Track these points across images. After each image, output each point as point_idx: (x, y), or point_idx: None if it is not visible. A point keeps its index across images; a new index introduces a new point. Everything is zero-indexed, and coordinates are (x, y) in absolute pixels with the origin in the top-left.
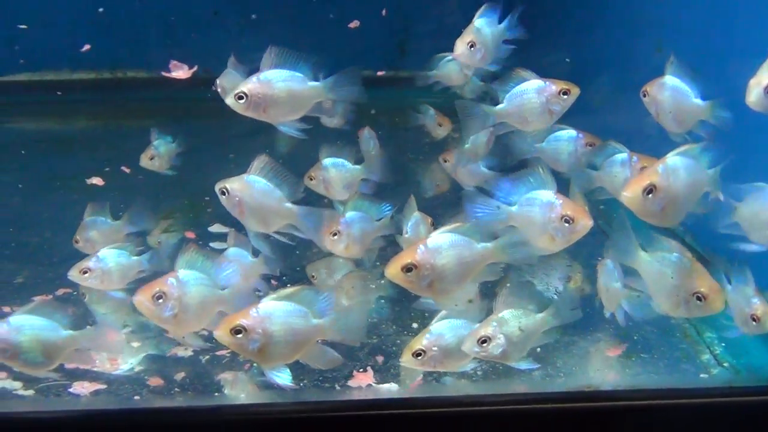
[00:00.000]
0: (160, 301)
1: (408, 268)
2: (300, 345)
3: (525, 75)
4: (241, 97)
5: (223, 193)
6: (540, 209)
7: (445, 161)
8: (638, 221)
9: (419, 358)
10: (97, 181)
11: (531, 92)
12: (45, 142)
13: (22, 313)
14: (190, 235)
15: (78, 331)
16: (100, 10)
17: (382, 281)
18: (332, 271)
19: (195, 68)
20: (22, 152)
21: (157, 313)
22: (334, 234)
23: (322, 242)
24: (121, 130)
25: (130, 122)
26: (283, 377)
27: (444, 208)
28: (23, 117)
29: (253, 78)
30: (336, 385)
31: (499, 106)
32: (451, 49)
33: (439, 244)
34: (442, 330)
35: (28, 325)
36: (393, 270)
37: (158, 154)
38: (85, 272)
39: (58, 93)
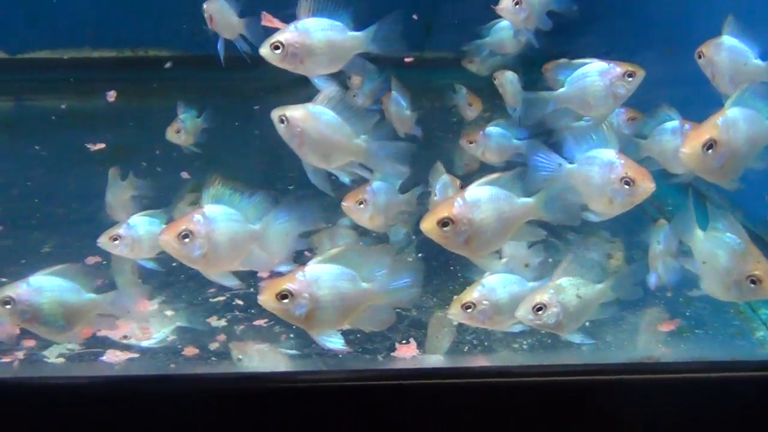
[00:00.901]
0: (187, 240)
1: (444, 223)
2: (349, 310)
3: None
4: (277, 47)
5: (282, 122)
6: (599, 168)
7: (471, 143)
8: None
9: (468, 311)
10: (99, 146)
11: (594, 75)
12: (66, 118)
13: (43, 274)
14: None
15: (101, 295)
16: None
17: (419, 255)
18: (336, 242)
19: None
20: (44, 127)
21: (185, 253)
22: (360, 202)
23: (400, 173)
24: (143, 107)
25: (151, 100)
26: (334, 341)
27: None
28: (44, 94)
29: (291, 26)
30: (378, 357)
31: (560, 91)
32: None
33: (477, 198)
34: (494, 284)
35: (48, 286)
36: (428, 224)
37: (184, 127)
38: (115, 239)
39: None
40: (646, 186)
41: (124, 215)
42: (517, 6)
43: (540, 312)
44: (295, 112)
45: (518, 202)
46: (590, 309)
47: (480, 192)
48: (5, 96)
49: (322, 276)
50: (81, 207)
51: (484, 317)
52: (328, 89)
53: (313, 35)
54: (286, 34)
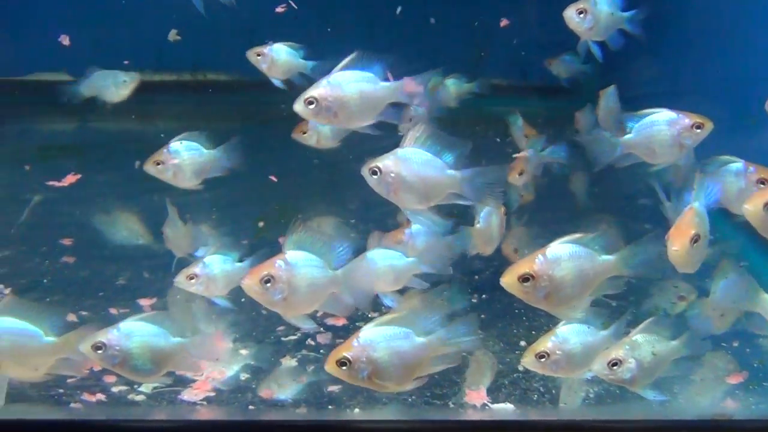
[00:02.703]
0: (269, 284)
1: (525, 278)
2: (411, 366)
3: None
4: (311, 102)
5: (375, 173)
6: None
7: (520, 174)
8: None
9: (542, 360)
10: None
11: (662, 124)
12: (127, 142)
13: (132, 320)
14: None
15: (187, 339)
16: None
17: (483, 296)
18: None
19: None
20: (107, 151)
21: (266, 297)
22: (398, 243)
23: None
24: (202, 132)
25: (211, 124)
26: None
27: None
28: (105, 117)
29: (323, 81)
30: (449, 403)
31: (627, 137)
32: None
33: (558, 255)
34: (568, 334)
35: (137, 331)
36: (509, 279)
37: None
38: (192, 278)
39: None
40: (671, 250)
41: (181, 251)
42: (582, 15)
43: (615, 367)
44: (386, 161)
45: (599, 260)
46: (664, 365)
47: (561, 249)
48: (69, 118)
49: (376, 339)
50: (150, 237)
51: (556, 366)
52: (416, 127)
53: (346, 88)
54: (320, 90)
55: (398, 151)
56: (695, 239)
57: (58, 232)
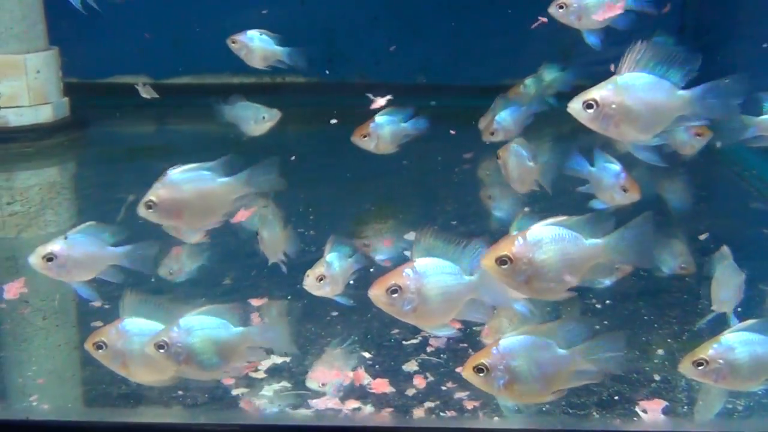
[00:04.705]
0: (395, 295)
1: (502, 261)
2: (551, 379)
3: None
4: (149, 206)
5: (590, 107)
6: None
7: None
8: None
9: (700, 368)
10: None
11: None
12: (207, 142)
13: (192, 315)
14: (387, 243)
15: (248, 328)
16: None
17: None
18: None
19: None
20: (188, 153)
21: (395, 308)
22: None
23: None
24: (283, 134)
25: (290, 127)
26: None
27: None
28: (184, 119)
29: (158, 184)
30: (594, 413)
31: (762, 117)
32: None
33: (539, 238)
34: (734, 342)
35: (198, 325)
36: (487, 261)
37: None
38: (320, 279)
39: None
40: None
41: (274, 256)
42: (561, 10)
43: None
44: (604, 91)
45: (585, 244)
46: None
47: (544, 232)
48: (149, 120)
49: (516, 348)
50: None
51: (717, 376)
52: (633, 50)
53: (184, 188)
54: (158, 191)
55: (616, 78)
56: None
57: (156, 231)
